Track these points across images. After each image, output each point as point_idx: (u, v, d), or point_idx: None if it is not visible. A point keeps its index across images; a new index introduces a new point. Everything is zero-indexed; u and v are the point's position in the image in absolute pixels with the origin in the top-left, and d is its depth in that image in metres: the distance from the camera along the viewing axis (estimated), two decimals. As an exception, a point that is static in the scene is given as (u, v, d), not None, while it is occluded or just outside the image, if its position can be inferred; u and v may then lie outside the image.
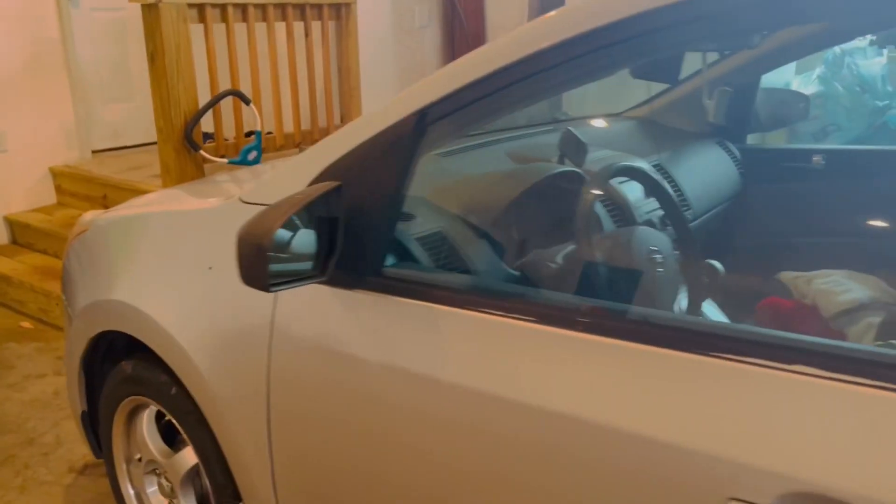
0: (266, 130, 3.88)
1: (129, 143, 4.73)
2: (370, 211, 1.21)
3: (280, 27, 3.93)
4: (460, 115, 1.16)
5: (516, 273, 1.34)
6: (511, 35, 1.10)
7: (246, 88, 3.73)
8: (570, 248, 1.35)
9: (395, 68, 4.66)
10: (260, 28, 3.83)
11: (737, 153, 2.27)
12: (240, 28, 3.72)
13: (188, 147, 3.55)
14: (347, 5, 4.24)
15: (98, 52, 4.46)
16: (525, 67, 1.08)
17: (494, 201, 1.47)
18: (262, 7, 3.81)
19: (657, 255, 1.38)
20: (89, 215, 1.98)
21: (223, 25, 3.66)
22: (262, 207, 1.41)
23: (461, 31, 4.82)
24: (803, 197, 2.11)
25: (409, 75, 4.76)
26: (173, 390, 1.61)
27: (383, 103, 1.25)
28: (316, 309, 1.28)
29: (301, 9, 4.01)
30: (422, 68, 4.85)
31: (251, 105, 3.68)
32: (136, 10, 3.42)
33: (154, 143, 4.87)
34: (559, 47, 1.05)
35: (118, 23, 4.51)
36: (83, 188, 4.16)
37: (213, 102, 3.56)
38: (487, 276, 1.34)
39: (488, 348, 1.08)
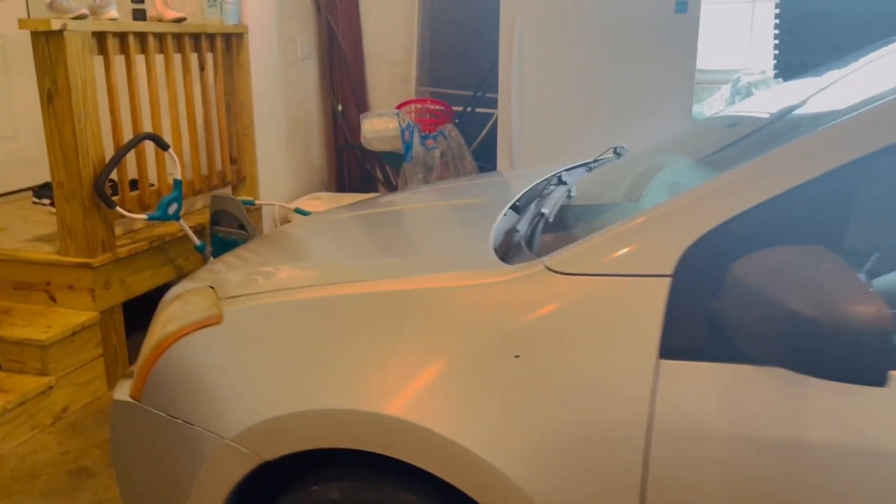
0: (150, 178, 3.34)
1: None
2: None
3: (177, 61, 3.42)
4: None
5: None
6: None
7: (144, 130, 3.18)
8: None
9: (281, 103, 4.28)
10: (155, 63, 3.30)
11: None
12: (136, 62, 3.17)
13: (100, 203, 2.94)
14: (239, 35, 3.81)
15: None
16: None
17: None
18: (161, 37, 3.29)
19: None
20: (192, 309, 1.54)
21: (120, 58, 3.10)
22: (594, 277, 1.19)
23: (341, 63, 4.57)
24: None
25: (293, 111, 4.39)
26: (430, 512, 1.29)
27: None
28: (739, 394, 1.09)
29: (195, 38, 3.53)
30: (304, 103, 4.51)
31: (170, 150, 3.15)
32: None
33: (-17, 199, 4.01)
34: None
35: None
36: (-84, 262, 3.26)
37: (129, 148, 2.98)
38: None
39: None
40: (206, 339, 1.47)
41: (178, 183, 3.16)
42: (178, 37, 3.40)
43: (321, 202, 4.09)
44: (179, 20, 3.35)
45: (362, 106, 4.67)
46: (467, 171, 4.00)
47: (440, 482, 1.31)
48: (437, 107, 4.25)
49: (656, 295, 1.14)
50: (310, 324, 1.37)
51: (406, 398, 1.25)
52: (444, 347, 1.25)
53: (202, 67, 3.61)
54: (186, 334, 1.50)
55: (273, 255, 1.75)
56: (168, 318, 1.61)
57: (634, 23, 3.39)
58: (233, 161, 3.93)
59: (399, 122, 3.87)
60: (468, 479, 1.22)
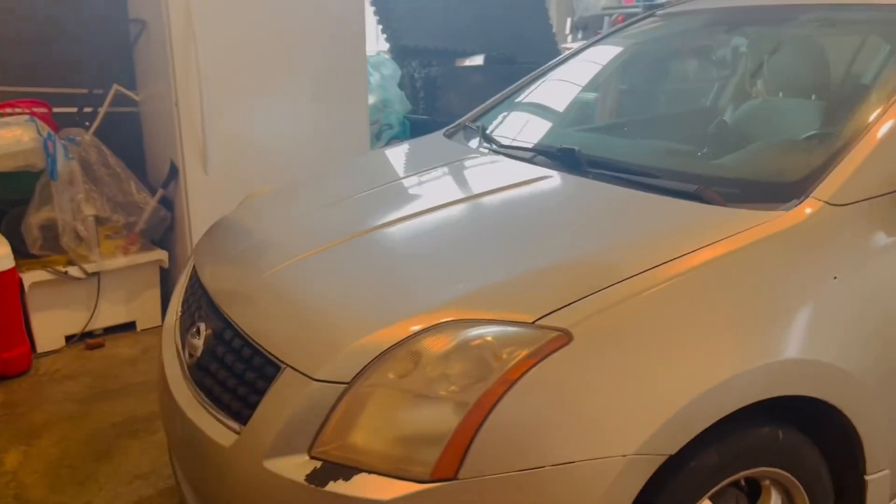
0: None
1: None
2: None
3: None
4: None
5: None
6: None
7: None
8: None
9: None
10: None
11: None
12: None
13: None
14: None
15: None
16: None
17: None
18: None
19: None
20: (496, 348, 1.27)
21: None
22: (871, 201, 1.50)
23: None
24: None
25: None
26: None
27: None
28: None
29: None
30: None
31: None
32: None
33: None
34: None
35: None
36: None
37: None
38: None
39: None
40: (559, 365, 1.24)
41: None
42: None
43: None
44: None
45: None
46: (122, 180, 3.33)
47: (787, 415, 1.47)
48: (41, 109, 3.36)
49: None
50: (685, 303, 1.35)
51: (808, 341, 1.41)
52: (786, 289, 1.42)
53: None
54: (518, 377, 1.23)
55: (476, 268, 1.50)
56: (446, 375, 1.26)
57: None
58: None
59: (38, 132, 2.98)
60: (839, 393, 1.44)
